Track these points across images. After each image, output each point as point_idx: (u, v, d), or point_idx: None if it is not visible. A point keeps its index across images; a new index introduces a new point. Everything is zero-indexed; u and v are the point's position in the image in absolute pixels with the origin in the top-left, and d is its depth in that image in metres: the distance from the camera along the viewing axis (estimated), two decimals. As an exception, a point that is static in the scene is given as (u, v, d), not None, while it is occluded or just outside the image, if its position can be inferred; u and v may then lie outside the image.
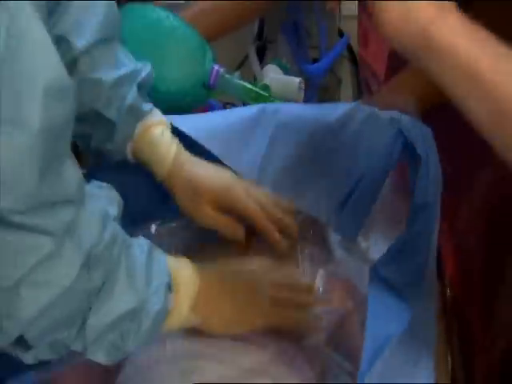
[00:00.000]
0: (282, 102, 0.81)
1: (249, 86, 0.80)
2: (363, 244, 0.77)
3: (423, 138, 0.66)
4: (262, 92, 0.80)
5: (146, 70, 0.69)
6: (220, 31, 0.90)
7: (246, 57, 1.24)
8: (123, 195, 0.60)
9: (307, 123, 0.70)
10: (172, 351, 0.59)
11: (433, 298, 0.67)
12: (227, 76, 0.79)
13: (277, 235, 0.66)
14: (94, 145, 0.69)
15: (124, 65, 0.68)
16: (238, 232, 0.66)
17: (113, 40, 0.68)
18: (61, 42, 0.64)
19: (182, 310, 0.56)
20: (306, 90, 1.08)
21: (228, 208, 0.65)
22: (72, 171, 0.47)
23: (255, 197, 0.66)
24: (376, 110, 0.71)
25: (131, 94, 0.66)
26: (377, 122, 0.69)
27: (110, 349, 0.51)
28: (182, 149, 0.68)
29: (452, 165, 0.68)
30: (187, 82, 0.78)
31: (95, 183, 0.57)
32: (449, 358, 0.77)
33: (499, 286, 0.81)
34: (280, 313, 0.62)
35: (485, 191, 0.82)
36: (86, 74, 0.65)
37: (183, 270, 0.57)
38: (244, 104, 0.86)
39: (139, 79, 0.68)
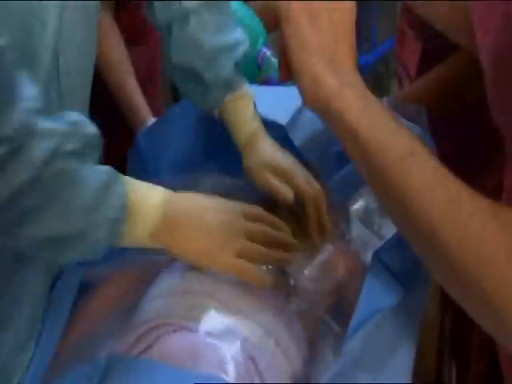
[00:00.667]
0: None
1: None
2: (378, 220, 0.83)
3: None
4: None
5: (244, 44, 0.73)
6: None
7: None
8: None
9: None
10: (182, 286, 0.64)
11: (426, 285, 0.71)
12: (273, 59, 0.84)
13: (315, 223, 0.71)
14: (187, 96, 0.74)
15: (227, 33, 0.71)
16: (288, 194, 0.70)
17: (221, 2, 0.71)
18: None
19: (138, 237, 0.58)
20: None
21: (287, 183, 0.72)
22: (17, 114, 0.48)
23: (312, 185, 0.72)
24: None
25: (227, 69, 0.70)
26: None
27: (47, 257, 0.57)
28: (261, 125, 0.73)
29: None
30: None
31: (64, 119, 0.55)
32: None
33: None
34: (257, 249, 0.63)
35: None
36: (193, 34, 0.69)
37: (146, 201, 0.58)
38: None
39: (237, 54, 0.71)
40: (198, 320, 0.61)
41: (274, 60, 0.85)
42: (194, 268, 0.66)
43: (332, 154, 0.78)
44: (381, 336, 0.63)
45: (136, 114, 0.97)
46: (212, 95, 0.72)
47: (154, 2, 0.70)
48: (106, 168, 0.56)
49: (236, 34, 0.72)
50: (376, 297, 0.67)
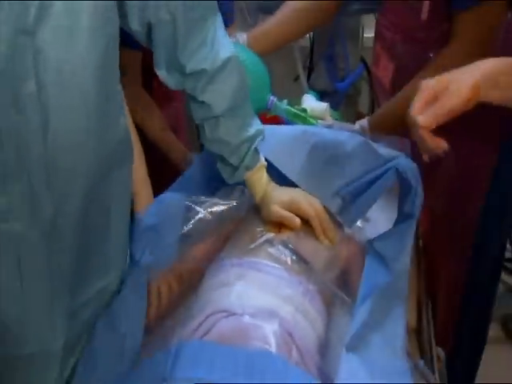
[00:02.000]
0: (315, 120, 0.94)
1: (294, 110, 0.93)
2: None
3: (413, 171, 0.78)
4: (301, 113, 0.93)
5: (261, 133, 0.81)
6: (276, 48, 1.04)
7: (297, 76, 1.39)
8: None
9: (329, 147, 0.84)
10: (228, 279, 0.71)
11: (406, 270, 0.78)
12: (278, 103, 0.93)
13: (321, 232, 0.80)
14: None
15: (245, 129, 0.78)
16: (295, 220, 0.78)
17: (243, 102, 0.78)
18: (204, 106, 0.76)
19: None
20: (334, 97, 1.23)
21: (294, 211, 0.79)
22: None
23: (314, 206, 0.80)
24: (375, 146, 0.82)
25: (248, 157, 0.79)
26: (375, 156, 0.81)
27: None
28: (270, 183, 0.82)
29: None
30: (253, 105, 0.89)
31: None
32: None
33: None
34: None
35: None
36: (223, 138, 0.77)
37: None
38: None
39: (255, 143, 0.79)
40: (242, 306, 0.65)
41: (280, 103, 0.92)
42: (236, 264, 0.73)
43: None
44: (382, 302, 0.70)
45: (176, 155, 1.10)
46: (237, 174, 0.81)
47: (191, 103, 0.77)
48: None
49: (253, 127, 0.79)
50: (374, 275, 0.74)
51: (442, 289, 1.07)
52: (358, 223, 0.88)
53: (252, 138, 0.79)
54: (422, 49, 0.91)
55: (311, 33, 1.54)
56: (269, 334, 0.63)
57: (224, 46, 0.74)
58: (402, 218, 0.81)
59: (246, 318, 0.65)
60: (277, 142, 0.84)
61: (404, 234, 0.80)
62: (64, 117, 0.57)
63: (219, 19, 0.74)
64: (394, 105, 0.93)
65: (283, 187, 0.83)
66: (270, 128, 0.85)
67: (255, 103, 0.86)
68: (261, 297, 0.68)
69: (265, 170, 0.82)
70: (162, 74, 0.74)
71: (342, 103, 1.48)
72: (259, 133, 0.80)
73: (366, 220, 0.91)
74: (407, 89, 0.92)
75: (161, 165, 0.97)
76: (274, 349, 0.61)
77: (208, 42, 0.72)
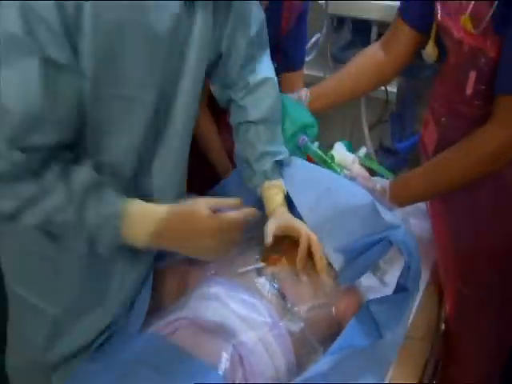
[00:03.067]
0: (340, 168, 0.96)
1: (320, 153, 0.96)
2: (382, 266, 0.90)
3: (406, 245, 0.77)
4: (327, 159, 0.96)
5: (283, 155, 0.89)
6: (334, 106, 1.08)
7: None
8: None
9: (342, 199, 0.85)
10: (209, 293, 0.75)
11: (397, 343, 0.77)
12: (309, 144, 0.97)
13: (303, 257, 0.81)
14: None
15: (273, 145, 0.88)
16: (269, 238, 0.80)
17: (274, 121, 0.90)
18: (241, 108, 0.88)
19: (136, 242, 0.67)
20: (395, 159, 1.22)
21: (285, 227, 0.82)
22: None
23: (311, 236, 0.82)
24: (381, 210, 0.82)
25: (267, 165, 0.87)
26: (378, 220, 0.81)
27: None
28: (283, 205, 0.86)
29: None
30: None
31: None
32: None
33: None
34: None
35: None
36: (251, 139, 0.88)
37: (135, 234, 0.67)
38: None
39: (277, 158, 0.88)
40: (209, 321, 0.70)
41: (311, 145, 0.97)
42: (220, 282, 0.77)
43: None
44: (349, 364, 0.69)
45: (220, 165, 1.20)
46: (255, 179, 0.88)
47: (232, 108, 0.90)
48: (104, 209, 0.64)
49: (280, 148, 0.89)
50: (353, 335, 0.73)
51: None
52: (373, 283, 0.88)
53: (276, 154, 0.88)
54: (466, 124, 0.90)
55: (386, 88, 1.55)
56: (219, 351, 0.66)
57: (266, 69, 0.89)
58: (397, 289, 0.80)
59: (206, 332, 0.70)
60: (296, 170, 0.89)
61: (401, 305, 0.78)
62: None
63: (267, 51, 0.90)
64: (417, 175, 0.92)
65: (289, 214, 0.86)
66: (297, 160, 0.91)
67: (288, 139, 0.94)
68: (229, 318, 0.72)
69: (282, 192, 0.87)
70: (215, 89, 0.90)
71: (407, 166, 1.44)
72: (284, 154, 0.89)
73: (383, 284, 0.90)
74: (433, 162, 0.91)
75: (203, 172, 1.06)
76: (221, 366, 0.65)
77: (256, 66, 0.88)
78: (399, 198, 0.91)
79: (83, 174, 0.64)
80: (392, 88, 1.59)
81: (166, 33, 0.65)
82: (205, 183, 1.00)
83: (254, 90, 0.88)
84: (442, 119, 0.94)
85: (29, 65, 0.57)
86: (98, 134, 0.66)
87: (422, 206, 1.16)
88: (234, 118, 0.91)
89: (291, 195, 0.87)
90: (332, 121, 1.65)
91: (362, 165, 1.07)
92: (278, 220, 0.83)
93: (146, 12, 0.62)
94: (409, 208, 1.03)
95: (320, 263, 0.80)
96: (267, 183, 0.88)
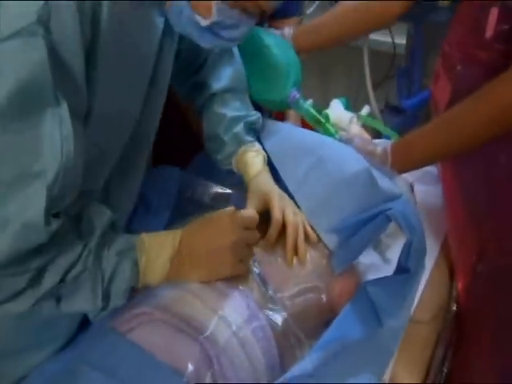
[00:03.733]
0: (335, 130, 0.84)
1: (313, 112, 0.84)
2: (384, 240, 0.80)
3: (406, 219, 0.66)
4: (321, 119, 0.84)
5: (254, 116, 0.81)
6: (327, 45, 0.95)
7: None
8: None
9: (334, 168, 0.74)
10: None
11: (399, 333, 0.67)
12: (301, 101, 0.83)
13: (293, 245, 0.70)
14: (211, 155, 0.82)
15: (241, 110, 0.80)
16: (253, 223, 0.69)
17: (239, 91, 0.82)
18: (202, 84, 0.81)
19: (152, 283, 0.62)
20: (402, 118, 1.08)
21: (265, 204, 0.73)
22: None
23: (298, 217, 0.72)
24: (378, 178, 0.71)
25: (238, 128, 0.79)
26: (374, 190, 0.71)
27: None
28: (264, 171, 0.77)
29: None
30: (270, 97, 0.86)
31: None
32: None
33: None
34: (250, 253, 0.66)
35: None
36: (217, 109, 0.80)
37: (156, 261, 0.61)
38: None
39: (249, 120, 0.80)
40: (177, 314, 0.60)
41: (303, 102, 0.84)
42: None
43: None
44: (337, 361, 0.60)
45: None
46: (227, 149, 0.79)
47: (194, 90, 0.82)
48: (120, 244, 0.59)
49: (250, 111, 0.81)
50: (347, 325, 0.64)
51: None
52: (374, 260, 0.77)
53: (247, 117, 0.80)
54: (483, 72, 0.75)
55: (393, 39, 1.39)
56: (184, 351, 0.57)
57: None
58: (399, 269, 0.69)
59: (171, 328, 0.60)
60: (283, 140, 0.78)
61: (403, 288, 0.68)
62: None
63: None
64: (423, 133, 0.78)
65: (268, 182, 0.76)
66: (279, 125, 0.81)
67: (274, 93, 0.83)
68: (198, 310, 0.62)
69: (262, 155, 0.78)
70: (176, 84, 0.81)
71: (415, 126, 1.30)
72: (256, 117, 0.81)
73: (386, 260, 0.79)
74: (443, 117, 0.77)
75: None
76: (186, 370, 0.56)
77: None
78: (403, 162, 0.78)
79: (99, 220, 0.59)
80: (400, 40, 1.44)
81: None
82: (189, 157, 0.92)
83: (214, 63, 0.81)
84: (457, 67, 0.80)
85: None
86: None
87: (431, 169, 1.02)
88: (198, 102, 0.82)
89: (277, 167, 0.76)
90: (332, 78, 1.50)
91: (365, 126, 0.94)
92: (257, 192, 0.73)
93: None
94: (416, 172, 0.91)
95: (290, 251, 0.70)
96: (242, 148, 0.77)
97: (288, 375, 0.57)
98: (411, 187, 0.97)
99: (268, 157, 0.78)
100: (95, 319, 0.61)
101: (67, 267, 0.55)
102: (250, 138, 0.79)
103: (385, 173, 0.75)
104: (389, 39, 1.44)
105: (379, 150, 0.79)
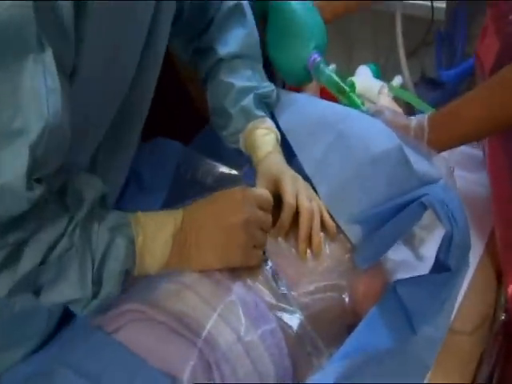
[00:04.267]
0: (361, 101, 0.78)
1: (336, 79, 0.78)
2: (418, 234, 0.74)
3: (444, 208, 0.60)
4: (345, 87, 0.77)
5: (267, 88, 0.76)
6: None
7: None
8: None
9: (359, 146, 0.68)
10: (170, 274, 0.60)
11: (440, 336, 0.62)
12: (322, 66, 0.78)
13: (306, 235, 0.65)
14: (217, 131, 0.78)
15: (252, 79, 0.75)
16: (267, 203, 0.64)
17: (250, 58, 0.76)
18: (207, 49, 0.76)
19: (148, 271, 0.57)
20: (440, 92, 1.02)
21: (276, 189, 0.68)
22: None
23: (313, 202, 0.67)
24: (412, 158, 0.66)
25: (247, 100, 0.73)
26: (407, 173, 0.65)
27: None
28: (276, 151, 0.72)
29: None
30: (289, 62, 0.81)
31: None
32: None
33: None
34: (264, 237, 0.61)
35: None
36: (224, 77, 0.75)
37: (155, 243, 0.56)
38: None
39: (259, 92, 0.74)
40: (172, 312, 0.55)
41: (324, 67, 0.78)
42: None
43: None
44: (362, 373, 0.55)
45: None
46: (234, 123, 0.74)
47: (198, 56, 0.78)
48: (112, 221, 0.54)
49: (262, 83, 0.76)
50: (373, 332, 0.59)
51: None
52: (405, 257, 0.72)
53: (258, 88, 0.75)
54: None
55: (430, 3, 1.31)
56: (179, 355, 0.53)
57: None
58: (436, 267, 0.63)
59: (164, 329, 0.55)
60: (298, 113, 0.73)
61: (441, 289, 0.62)
62: None
63: None
64: (467, 101, 0.71)
65: (281, 165, 0.71)
66: (293, 95, 0.76)
67: (293, 56, 0.80)
68: (198, 308, 0.57)
69: (274, 133, 0.73)
70: (176, 46, 0.79)
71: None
72: (269, 89, 0.76)
73: (419, 257, 0.74)
74: (492, 81, 0.70)
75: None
76: (181, 377, 0.51)
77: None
78: (442, 137, 0.72)
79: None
80: (440, 3, 1.36)
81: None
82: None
83: (220, 24, 0.75)
84: (510, 17, 0.72)
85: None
86: None
87: (475, 152, 0.96)
88: (202, 69, 0.77)
89: (293, 147, 0.71)
90: (361, 45, 1.43)
91: (397, 100, 0.88)
92: (267, 176, 0.68)
93: None
94: (456, 155, 0.86)
95: (303, 241, 0.65)
96: (251, 124, 0.72)
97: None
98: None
99: (282, 134, 0.73)
100: (83, 313, 0.54)
101: (51, 243, 0.49)
102: (260, 113, 0.73)
103: (420, 151, 0.69)
104: (426, 2, 1.37)
105: (414, 123, 0.73)
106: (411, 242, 0.75)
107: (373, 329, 0.60)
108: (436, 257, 0.62)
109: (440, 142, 0.72)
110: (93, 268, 0.52)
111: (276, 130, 0.74)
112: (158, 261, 0.56)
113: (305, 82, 0.83)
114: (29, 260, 0.49)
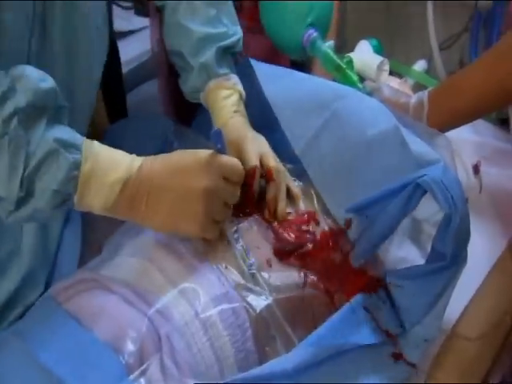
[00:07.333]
0: (359, 78, 0.79)
1: (332, 55, 0.80)
2: (426, 228, 0.73)
3: (443, 191, 0.59)
4: (342, 64, 0.80)
5: (235, 36, 0.75)
6: None
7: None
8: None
9: (353, 126, 0.69)
10: (133, 247, 0.64)
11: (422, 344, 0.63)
12: (318, 42, 0.80)
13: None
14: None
15: (217, 25, 0.74)
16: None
17: None
18: None
19: (91, 208, 0.56)
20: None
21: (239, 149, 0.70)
22: None
23: (261, 148, 0.70)
24: (409, 139, 0.67)
25: (208, 54, 0.73)
26: (404, 155, 0.66)
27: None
28: (238, 114, 0.73)
29: None
30: (284, 35, 0.85)
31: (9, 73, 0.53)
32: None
33: None
34: (228, 212, 0.62)
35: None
36: (183, 19, 0.74)
37: (103, 177, 0.55)
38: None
39: (224, 43, 0.74)
40: (129, 284, 0.58)
41: (320, 43, 0.80)
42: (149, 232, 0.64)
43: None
44: (330, 367, 0.57)
45: None
46: (194, 80, 0.75)
47: None
48: (61, 133, 0.54)
49: (229, 28, 0.74)
50: (353, 323, 0.60)
51: None
52: (414, 255, 0.72)
53: (222, 37, 0.74)
54: None
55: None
56: (128, 328, 0.55)
57: None
58: (431, 256, 0.63)
59: (118, 301, 0.58)
60: (289, 88, 0.73)
61: (434, 283, 0.62)
62: None
63: None
64: (469, 72, 0.71)
65: (245, 128, 0.73)
66: (285, 70, 0.77)
67: (288, 29, 0.82)
68: (156, 282, 0.60)
69: (237, 93, 0.74)
70: None
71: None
72: (235, 39, 0.75)
73: (426, 255, 0.72)
74: (494, 49, 0.70)
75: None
76: (125, 348, 0.54)
77: None
78: (442, 114, 0.73)
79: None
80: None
81: None
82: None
83: None
84: None
85: None
86: None
87: (505, 146, 0.94)
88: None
89: (280, 122, 0.72)
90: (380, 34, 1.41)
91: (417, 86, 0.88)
92: (230, 141, 0.70)
93: None
94: (483, 149, 0.85)
95: (271, 202, 0.67)
96: (212, 82, 0.73)
97: (255, 371, 0.54)
98: (476, 167, 0.91)
99: (265, 104, 0.74)
100: (7, 219, 0.54)
101: None
102: (223, 70, 0.75)
103: (420, 131, 0.70)
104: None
105: (414, 100, 0.74)
106: (418, 239, 0.75)
107: (351, 319, 0.61)
108: (432, 246, 0.63)
109: (440, 118, 0.73)
110: (24, 170, 0.51)
111: (241, 88, 0.75)
112: (103, 200, 0.56)
113: (300, 56, 0.84)
114: None
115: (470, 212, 0.67)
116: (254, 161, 0.67)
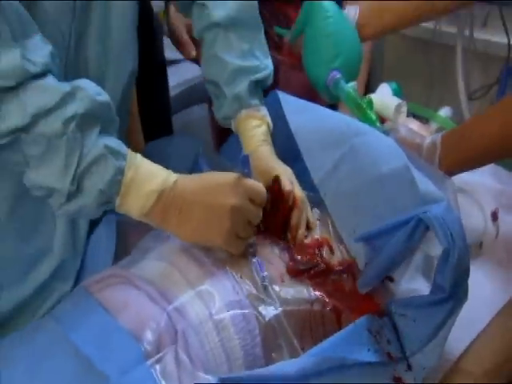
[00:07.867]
0: (377, 118, 0.86)
1: (354, 95, 0.87)
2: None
3: (442, 227, 0.64)
4: (362, 104, 0.87)
5: (266, 70, 0.83)
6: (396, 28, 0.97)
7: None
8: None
9: (368, 161, 0.75)
10: (160, 251, 0.71)
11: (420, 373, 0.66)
12: (341, 82, 0.88)
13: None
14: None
15: (250, 58, 0.82)
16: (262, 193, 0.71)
17: (250, 25, 0.83)
18: (203, 10, 0.82)
19: (130, 213, 0.64)
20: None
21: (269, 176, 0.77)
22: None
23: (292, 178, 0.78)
24: (418, 178, 0.72)
25: (241, 87, 0.81)
26: (411, 192, 0.72)
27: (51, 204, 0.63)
28: (266, 143, 0.81)
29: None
30: (312, 74, 0.91)
31: (71, 83, 0.61)
32: None
33: None
34: (251, 231, 0.69)
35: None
36: (220, 52, 0.82)
37: (144, 184, 0.62)
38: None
39: (256, 76, 0.82)
40: (153, 283, 0.65)
41: (343, 84, 0.86)
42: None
43: None
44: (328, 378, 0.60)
45: None
46: (226, 108, 0.82)
47: (194, 16, 0.84)
48: (111, 141, 0.62)
49: (261, 62, 0.82)
50: (354, 341, 0.64)
51: None
52: (425, 289, 0.74)
53: (254, 70, 0.82)
54: None
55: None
56: (149, 321, 0.62)
57: None
58: (434, 288, 0.67)
59: (142, 296, 0.65)
60: (312, 121, 0.80)
61: (435, 313, 0.66)
62: None
63: None
64: (481, 120, 0.77)
65: (271, 159, 0.81)
66: (310, 104, 0.83)
67: (315, 67, 0.88)
68: (178, 284, 0.67)
69: (266, 125, 0.82)
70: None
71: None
72: (267, 73, 0.83)
73: None
74: (505, 100, 0.75)
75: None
76: (145, 338, 0.60)
77: None
78: (453, 157, 0.77)
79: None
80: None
81: None
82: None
83: None
84: None
85: None
86: None
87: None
88: (197, 26, 0.85)
89: (302, 152, 0.79)
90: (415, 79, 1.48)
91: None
92: (258, 167, 0.78)
93: None
94: (502, 197, 0.90)
95: (295, 228, 0.74)
96: (244, 112, 0.82)
97: (260, 370, 0.60)
98: (494, 214, 0.96)
99: (289, 135, 0.81)
100: (58, 211, 0.62)
101: (39, 108, 0.57)
102: (254, 101, 0.82)
103: (428, 172, 0.76)
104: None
105: (427, 142, 0.79)
106: (429, 274, 0.77)
107: (355, 338, 0.65)
108: (433, 278, 0.67)
109: (452, 161, 0.78)
110: (76, 168, 0.59)
111: (269, 119, 0.83)
112: (139, 207, 0.64)
113: (328, 97, 0.92)
114: (15, 116, 0.57)
115: (484, 255, 0.70)
116: (288, 186, 0.75)
